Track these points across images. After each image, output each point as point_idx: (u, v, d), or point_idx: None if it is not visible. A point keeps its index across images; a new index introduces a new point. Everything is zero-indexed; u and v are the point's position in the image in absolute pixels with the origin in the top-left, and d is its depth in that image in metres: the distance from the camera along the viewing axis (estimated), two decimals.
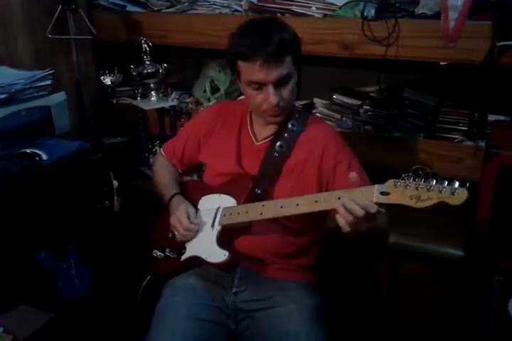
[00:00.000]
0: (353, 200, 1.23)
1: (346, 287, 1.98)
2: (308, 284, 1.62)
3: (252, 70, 1.45)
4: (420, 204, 1.15)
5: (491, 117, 2.01)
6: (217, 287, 1.59)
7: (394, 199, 1.19)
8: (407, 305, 2.10)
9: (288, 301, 1.51)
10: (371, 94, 2.40)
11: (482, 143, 1.98)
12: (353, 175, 1.27)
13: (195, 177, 2.11)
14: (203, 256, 1.55)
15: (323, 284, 1.68)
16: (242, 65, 1.48)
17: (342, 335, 1.75)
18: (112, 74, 2.56)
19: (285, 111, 1.55)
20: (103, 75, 2.56)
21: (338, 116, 2.37)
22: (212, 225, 1.57)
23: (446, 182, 1.14)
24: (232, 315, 1.55)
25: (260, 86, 1.48)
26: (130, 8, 2.61)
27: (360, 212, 1.21)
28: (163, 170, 1.83)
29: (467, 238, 1.91)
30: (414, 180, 1.17)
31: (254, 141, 1.66)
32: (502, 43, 1.77)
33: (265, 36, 1.42)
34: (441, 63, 1.99)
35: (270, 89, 1.47)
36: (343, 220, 1.24)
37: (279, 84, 1.47)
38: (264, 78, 1.45)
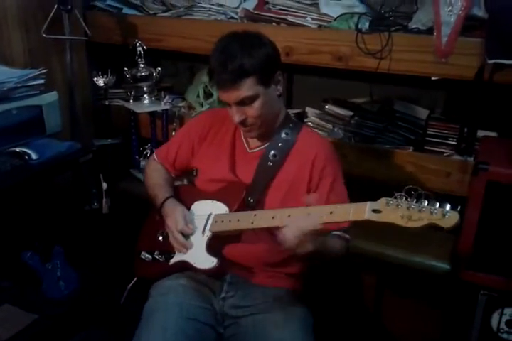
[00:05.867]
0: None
1: (332, 296, 1.99)
2: (294, 291, 1.63)
3: (217, 88, 1.51)
4: (411, 224, 1.15)
5: (480, 133, 2.03)
6: (206, 290, 1.59)
7: (385, 217, 1.20)
8: (392, 317, 2.11)
9: (274, 308, 1.52)
10: (363, 106, 2.42)
11: (470, 159, 1.99)
12: (308, 198, 1.35)
13: (185, 182, 2.11)
14: (191, 262, 1.55)
15: (310, 292, 1.69)
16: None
17: None
18: (105, 76, 2.54)
19: (257, 126, 1.55)
20: (96, 76, 2.54)
21: (329, 126, 2.38)
22: (203, 231, 1.57)
23: (438, 204, 1.15)
24: (220, 320, 1.55)
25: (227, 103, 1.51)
26: (126, 10, 2.62)
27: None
28: (156, 173, 1.82)
29: (453, 252, 1.93)
30: (406, 199, 1.18)
31: (248, 148, 1.67)
32: (493, 61, 1.80)
33: (225, 60, 1.43)
34: (432, 78, 2.01)
35: (233, 108, 1.50)
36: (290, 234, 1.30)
37: (242, 103, 1.48)
38: (225, 99, 1.50)
